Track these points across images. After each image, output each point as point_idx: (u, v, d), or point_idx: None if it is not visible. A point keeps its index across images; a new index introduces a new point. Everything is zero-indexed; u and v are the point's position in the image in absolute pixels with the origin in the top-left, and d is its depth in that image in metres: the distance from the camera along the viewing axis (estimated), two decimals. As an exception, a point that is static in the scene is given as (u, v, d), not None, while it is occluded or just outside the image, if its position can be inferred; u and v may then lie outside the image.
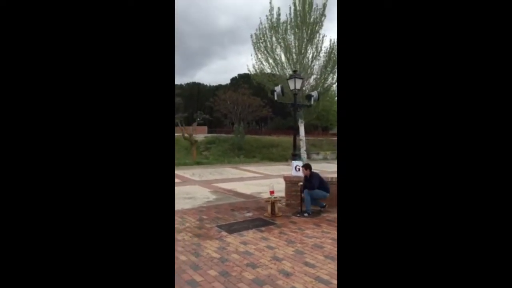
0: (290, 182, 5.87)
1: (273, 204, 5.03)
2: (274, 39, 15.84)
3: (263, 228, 4.31)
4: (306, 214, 5.02)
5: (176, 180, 9.85)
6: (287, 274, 2.77)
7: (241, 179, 10.48)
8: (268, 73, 16.57)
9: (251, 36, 16.04)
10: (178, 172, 11.89)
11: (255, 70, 16.73)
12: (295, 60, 15.33)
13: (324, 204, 5.40)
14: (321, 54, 15.43)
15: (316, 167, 4.56)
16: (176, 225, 4.43)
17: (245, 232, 4.11)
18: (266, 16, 15.78)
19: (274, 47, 15.91)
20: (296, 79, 7.17)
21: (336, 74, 15.23)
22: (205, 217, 4.97)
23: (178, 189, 8.00)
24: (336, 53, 14.81)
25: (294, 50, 15.41)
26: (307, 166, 5.35)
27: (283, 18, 15.48)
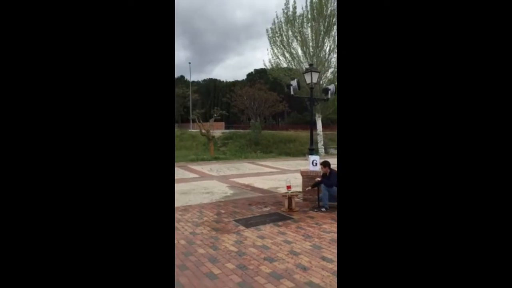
0: (307, 177, 5.83)
1: (290, 198, 5.01)
2: (290, 32, 15.69)
3: (280, 223, 4.32)
4: (323, 209, 4.98)
5: (194, 175, 10.02)
6: (304, 269, 2.77)
7: (258, 174, 10.51)
8: (284, 68, 16.44)
9: (267, 30, 16.07)
10: (196, 167, 12.09)
11: (271, 65, 16.66)
12: (311, 54, 15.13)
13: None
14: (339, 47, 15.22)
15: (334, 162, 4.50)
16: (194, 219, 4.52)
17: (262, 227, 4.13)
18: (282, 9, 15.70)
19: (290, 41, 15.77)
20: (313, 73, 7.09)
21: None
22: (222, 211, 5.03)
23: (196, 184, 8.14)
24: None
25: (310, 44, 15.21)
26: (325, 164, 5.19)
27: (299, 11, 15.45)
